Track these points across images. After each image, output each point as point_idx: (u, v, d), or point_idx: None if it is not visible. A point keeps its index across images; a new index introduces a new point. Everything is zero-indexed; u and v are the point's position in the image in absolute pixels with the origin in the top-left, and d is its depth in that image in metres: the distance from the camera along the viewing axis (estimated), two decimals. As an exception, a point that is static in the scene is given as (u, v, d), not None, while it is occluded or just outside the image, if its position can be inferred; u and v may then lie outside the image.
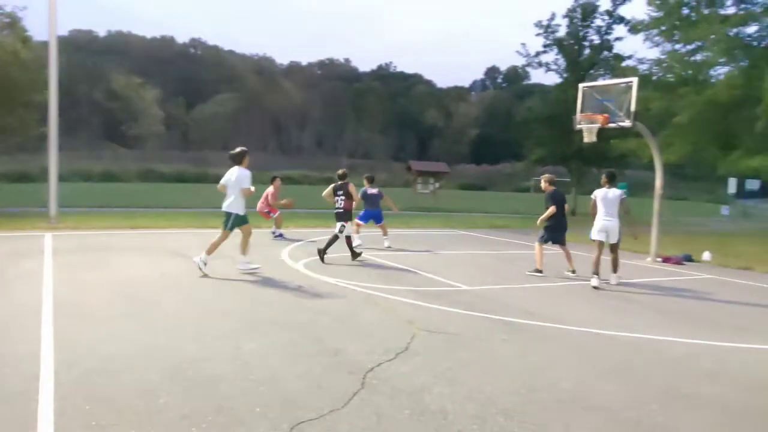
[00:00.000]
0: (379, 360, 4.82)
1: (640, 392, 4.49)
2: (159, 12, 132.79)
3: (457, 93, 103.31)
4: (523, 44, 30.32)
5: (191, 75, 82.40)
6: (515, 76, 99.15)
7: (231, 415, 3.66)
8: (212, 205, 21.74)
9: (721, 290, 9.66)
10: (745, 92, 18.46)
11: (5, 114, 18.07)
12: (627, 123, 11.63)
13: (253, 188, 8.43)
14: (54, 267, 8.44)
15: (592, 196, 9.44)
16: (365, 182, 12.82)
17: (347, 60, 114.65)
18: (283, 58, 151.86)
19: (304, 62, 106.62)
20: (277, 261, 9.93)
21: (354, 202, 10.54)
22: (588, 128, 11.99)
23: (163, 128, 72.46)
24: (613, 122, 11.75)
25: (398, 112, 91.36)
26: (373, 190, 12.68)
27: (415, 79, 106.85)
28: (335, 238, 10.15)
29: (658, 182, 12.79)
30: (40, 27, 15.79)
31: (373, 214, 12.76)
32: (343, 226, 10.18)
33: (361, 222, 12.77)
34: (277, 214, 13.52)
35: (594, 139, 12.03)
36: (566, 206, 10.17)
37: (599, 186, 9.45)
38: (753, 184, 31.78)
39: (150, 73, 72.64)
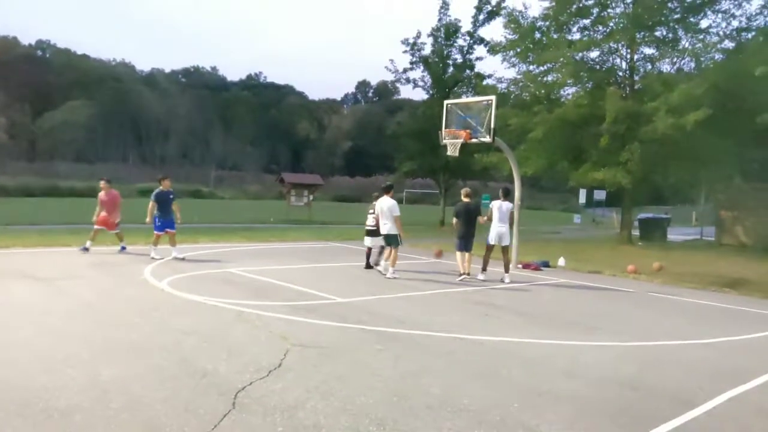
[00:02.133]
0: (251, 378, 4.69)
1: (503, 392, 4.76)
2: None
3: (330, 105, 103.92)
4: (392, 60, 31.22)
5: (38, 80, 74.78)
6: (385, 90, 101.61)
7: (86, 449, 3.37)
8: (64, 221, 19.99)
9: (574, 293, 10.58)
10: (591, 111, 20.44)
11: None
12: (487, 138, 12.35)
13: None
14: None
15: (491, 206, 11.46)
16: (165, 183, 12.19)
17: (214, 68, 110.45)
18: (144, 65, 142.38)
19: (167, 69, 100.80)
20: (139, 280, 9.32)
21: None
22: (452, 143, 12.60)
23: (6, 137, 65.28)
24: (475, 138, 12.44)
25: (270, 123, 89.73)
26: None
27: (287, 90, 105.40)
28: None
29: (518, 193, 13.73)
30: None
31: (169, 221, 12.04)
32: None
33: (160, 233, 11.95)
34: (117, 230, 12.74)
35: (457, 153, 12.69)
36: (481, 218, 11.25)
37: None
38: (600, 194, 35.28)
39: (-13, 76, 65.13)
